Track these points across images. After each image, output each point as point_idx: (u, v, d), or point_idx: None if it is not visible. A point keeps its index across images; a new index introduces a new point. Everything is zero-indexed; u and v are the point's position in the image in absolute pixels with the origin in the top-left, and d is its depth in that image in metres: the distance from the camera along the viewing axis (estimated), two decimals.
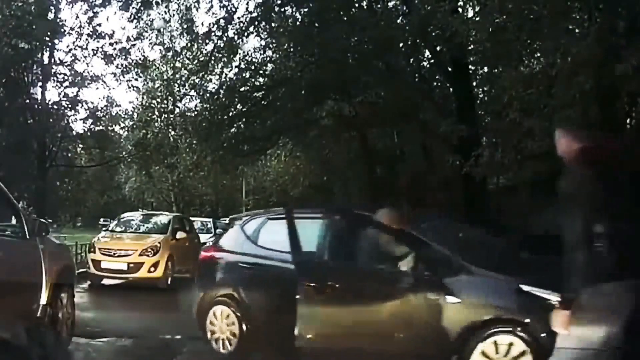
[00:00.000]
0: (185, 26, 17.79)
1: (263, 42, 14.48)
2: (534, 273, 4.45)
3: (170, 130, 22.90)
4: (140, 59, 18.60)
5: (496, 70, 11.18)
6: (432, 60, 13.25)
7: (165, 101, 24.01)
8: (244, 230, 6.03)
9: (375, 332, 4.60)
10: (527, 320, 4.05)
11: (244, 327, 5.44)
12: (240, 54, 14.78)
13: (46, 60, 16.64)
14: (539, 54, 9.03)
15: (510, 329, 4.11)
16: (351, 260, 5.06)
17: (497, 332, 4.16)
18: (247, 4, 20.55)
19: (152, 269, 10.71)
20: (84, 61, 16.73)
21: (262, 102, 14.36)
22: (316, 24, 11.98)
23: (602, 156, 3.13)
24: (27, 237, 4.93)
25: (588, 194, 2.96)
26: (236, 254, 5.89)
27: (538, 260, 5.19)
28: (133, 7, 12.73)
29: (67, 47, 16.48)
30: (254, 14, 12.71)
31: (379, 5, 12.75)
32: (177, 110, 23.03)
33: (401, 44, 11.95)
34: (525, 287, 4.16)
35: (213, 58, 14.01)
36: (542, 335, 3.81)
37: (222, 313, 5.59)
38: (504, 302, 4.26)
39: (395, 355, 4.57)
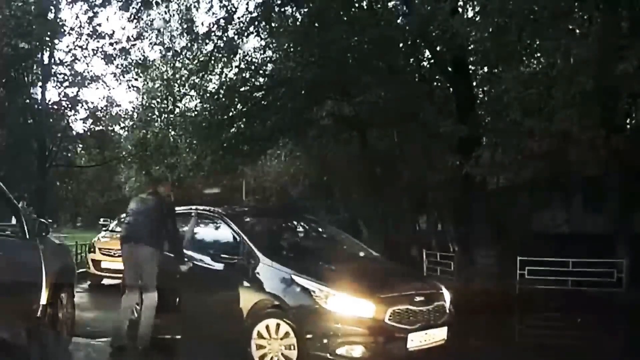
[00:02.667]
0: (185, 26, 17.79)
1: (263, 42, 14.50)
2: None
3: (170, 130, 22.91)
4: (140, 59, 18.64)
5: (496, 70, 11.19)
6: (432, 60, 13.25)
7: (165, 101, 24.01)
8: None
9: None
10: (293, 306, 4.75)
11: None
12: (240, 54, 14.78)
13: (46, 60, 16.66)
14: (539, 54, 9.03)
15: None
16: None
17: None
18: (247, 4, 20.67)
19: None
20: (84, 61, 16.78)
21: (262, 102, 14.37)
22: (316, 24, 11.99)
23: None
24: (27, 237, 4.92)
25: None
26: None
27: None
28: (133, 7, 12.73)
29: (67, 47, 16.52)
30: (254, 14, 12.73)
31: (379, 5, 12.76)
32: (177, 110, 23.07)
33: (401, 44, 11.96)
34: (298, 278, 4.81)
35: (213, 58, 14.02)
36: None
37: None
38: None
39: None
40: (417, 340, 4.64)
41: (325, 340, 4.50)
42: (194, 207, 6.47)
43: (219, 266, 5.41)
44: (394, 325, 4.55)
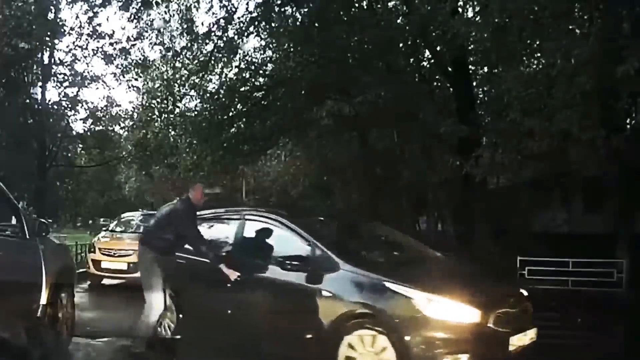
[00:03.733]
0: (185, 26, 17.81)
1: (263, 42, 14.51)
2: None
3: (170, 130, 22.88)
4: (140, 59, 18.66)
5: (497, 70, 11.19)
6: (432, 60, 13.25)
7: (165, 101, 23.96)
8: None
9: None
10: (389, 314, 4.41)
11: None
12: (240, 54, 14.79)
13: (46, 60, 16.66)
14: (539, 54, 9.03)
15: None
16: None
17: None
18: (247, 4, 20.67)
19: None
20: (84, 61, 16.79)
21: (262, 102, 14.37)
22: (316, 24, 11.99)
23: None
24: (27, 237, 4.92)
25: None
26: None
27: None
28: (133, 7, 12.74)
29: (67, 47, 16.52)
30: (254, 14, 12.73)
31: (379, 5, 12.77)
32: (177, 110, 23.01)
33: (401, 44, 11.96)
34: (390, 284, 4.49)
35: (213, 58, 14.01)
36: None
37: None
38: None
39: None
40: (516, 342, 4.45)
41: (427, 350, 4.19)
42: (239, 209, 6.17)
43: (284, 274, 4.97)
44: (497, 329, 4.31)
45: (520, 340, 4.48)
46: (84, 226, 35.37)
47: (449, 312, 4.24)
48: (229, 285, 5.17)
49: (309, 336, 4.69)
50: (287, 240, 5.28)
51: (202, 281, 5.61)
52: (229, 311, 5.32)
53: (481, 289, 4.59)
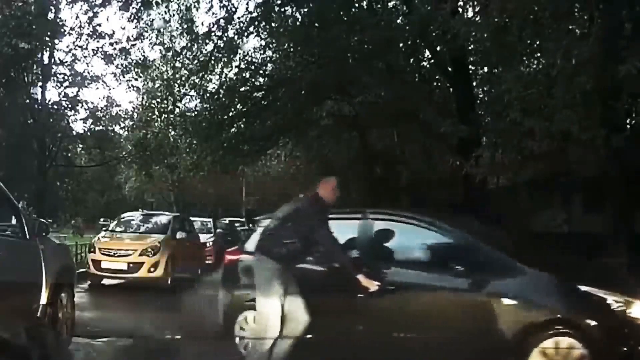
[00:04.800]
0: (185, 26, 17.84)
1: (263, 42, 14.50)
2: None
3: (170, 130, 22.89)
4: (140, 59, 18.65)
5: (496, 70, 11.19)
6: (432, 60, 13.25)
7: (165, 101, 23.97)
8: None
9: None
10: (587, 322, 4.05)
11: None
12: (240, 54, 14.79)
13: (46, 60, 16.66)
14: (539, 55, 9.02)
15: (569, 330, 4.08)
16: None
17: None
18: (247, 4, 20.62)
19: (152, 269, 10.70)
20: (84, 61, 16.79)
21: (262, 102, 14.37)
22: (316, 24, 11.98)
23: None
24: (27, 237, 4.92)
25: None
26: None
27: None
28: (133, 7, 12.74)
29: (67, 47, 16.52)
30: (254, 14, 12.73)
31: (379, 5, 12.76)
32: (177, 110, 23.02)
33: (401, 44, 11.96)
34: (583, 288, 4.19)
35: (213, 58, 14.01)
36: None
37: (254, 318, 5.17)
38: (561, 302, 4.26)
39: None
40: None
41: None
42: (358, 210, 5.50)
43: (442, 281, 4.55)
44: None
45: None
46: (86, 226, 35.40)
47: None
48: (361, 296, 4.55)
49: (485, 349, 4.26)
50: (434, 243, 4.88)
51: (322, 294, 4.77)
52: (360, 327, 4.72)
53: None
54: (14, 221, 4.95)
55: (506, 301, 4.32)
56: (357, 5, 12.69)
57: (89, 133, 18.08)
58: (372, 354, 4.57)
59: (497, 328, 4.27)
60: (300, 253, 4.70)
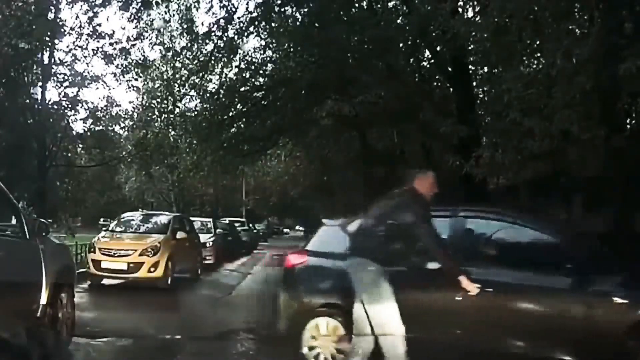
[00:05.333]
0: (185, 26, 17.84)
1: (263, 42, 14.50)
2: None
3: (170, 130, 22.90)
4: (140, 59, 18.61)
5: (496, 70, 11.18)
6: (432, 60, 13.25)
7: (165, 101, 24.00)
8: (346, 232, 5.26)
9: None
10: None
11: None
12: (240, 54, 14.79)
13: (46, 60, 16.62)
14: (539, 55, 9.02)
15: None
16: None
17: None
18: (247, 4, 20.68)
19: (152, 269, 10.70)
20: (84, 61, 16.72)
21: (262, 102, 14.37)
22: (316, 24, 11.99)
23: None
24: (27, 237, 4.92)
25: None
26: (339, 258, 5.04)
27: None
28: (133, 7, 12.71)
29: (67, 47, 16.47)
30: (254, 14, 12.72)
31: (379, 5, 12.76)
32: (177, 110, 23.04)
33: (401, 44, 11.95)
34: None
35: (213, 58, 14.01)
36: None
37: (327, 325, 4.99)
38: None
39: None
40: None
41: None
42: (457, 207, 5.19)
43: (545, 279, 4.36)
44: None
45: None
46: (84, 226, 35.40)
47: None
48: (460, 298, 4.35)
49: (595, 349, 4.12)
50: (535, 241, 4.69)
51: (420, 294, 4.59)
52: (458, 331, 4.53)
53: None
54: (14, 221, 4.95)
55: (617, 300, 4.18)
56: (357, 5, 12.70)
57: (89, 133, 18.05)
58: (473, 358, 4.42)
59: (607, 328, 4.12)
60: (402, 253, 4.44)
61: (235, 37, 13.07)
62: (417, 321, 4.31)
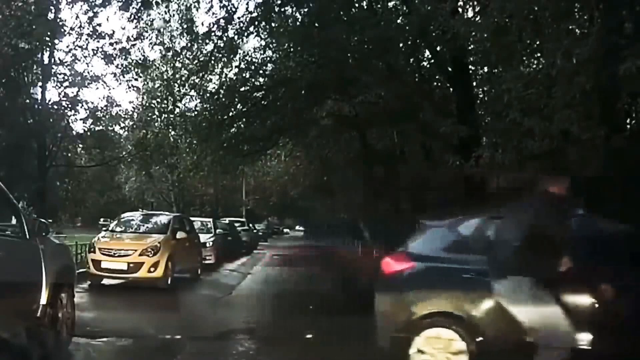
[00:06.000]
0: (185, 26, 17.86)
1: (263, 42, 14.50)
2: None
3: (170, 130, 22.93)
4: (140, 59, 18.64)
5: (496, 70, 11.19)
6: (432, 60, 13.25)
7: (165, 101, 24.03)
8: (457, 233, 5.08)
9: None
10: None
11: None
12: (240, 54, 14.79)
13: (46, 60, 16.64)
14: (539, 55, 9.02)
15: None
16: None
17: None
18: (247, 4, 20.67)
19: (152, 269, 10.69)
20: (84, 61, 16.74)
21: (262, 102, 14.38)
22: (316, 24, 11.98)
23: None
24: (27, 237, 4.92)
25: None
26: (451, 262, 4.85)
27: None
28: (133, 7, 12.71)
29: (67, 47, 16.49)
30: (254, 14, 12.72)
31: (379, 5, 12.76)
32: (177, 110, 23.08)
33: (401, 44, 11.96)
34: None
35: (213, 58, 14.01)
36: None
37: (441, 337, 4.63)
38: None
39: None
40: None
41: None
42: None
43: None
44: None
45: None
46: (84, 226, 35.42)
47: None
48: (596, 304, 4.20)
49: None
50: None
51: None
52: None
53: None
54: (14, 221, 4.95)
55: None
56: (357, 5, 12.70)
57: (89, 133, 18.06)
58: None
59: None
60: (546, 263, 4.06)
61: (235, 37, 13.07)
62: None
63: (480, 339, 4.43)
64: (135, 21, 14.15)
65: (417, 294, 4.84)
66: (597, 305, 4.20)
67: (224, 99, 14.43)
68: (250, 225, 32.27)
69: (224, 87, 14.99)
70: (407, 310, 4.78)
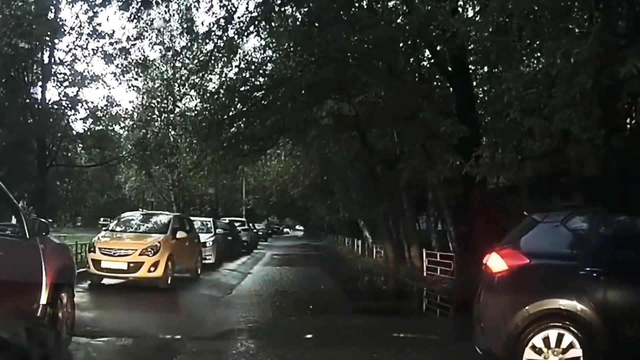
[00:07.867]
0: (185, 26, 17.78)
1: (263, 42, 14.50)
2: None
3: (170, 130, 22.92)
4: (140, 58, 18.61)
5: (496, 70, 11.19)
6: (432, 60, 13.26)
7: (165, 101, 24.02)
8: (572, 228, 4.83)
9: None
10: None
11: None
12: (240, 54, 14.79)
13: (46, 60, 16.63)
14: (539, 54, 9.02)
15: None
16: None
17: None
18: (247, 4, 20.63)
19: (152, 268, 10.69)
20: (84, 61, 16.72)
21: (262, 102, 14.38)
22: (316, 24, 11.98)
23: None
24: (27, 237, 4.92)
25: None
26: (569, 258, 4.63)
27: None
28: (133, 7, 12.69)
29: (67, 47, 16.47)
30: (254, 14, 12.70)
31: (379, 5, 12.76)
32: (177, 110, 23.06)
33: (401, 44, 11.96)
34: None
35: (213, 58, 14.00)
36: None
37: (560, 340, 4.41)
38: None
39: None
40: None
41: None
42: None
43: None
44: None
45: None
46: (84, 226, 35.42)
47: None
48: None
49: None
50: None
51: None
52: None
53: None
54: (14, 221, 4.95)
55: None
56: (357, 5, 12.69)
57: (89, 133, 18.05)
58: None
59: None
60: None
61: (235, 36, 13.05)
62: None
63: (601, 341, 4.26)
64: (135, 21, 14.11)
65: (534, 292, 4.59)
66: None
67: (224, 99, 14.43)
68: (250, 225, 32.27)
69: (224, 87, 14.97)
70: (523, 311, 4.51)
